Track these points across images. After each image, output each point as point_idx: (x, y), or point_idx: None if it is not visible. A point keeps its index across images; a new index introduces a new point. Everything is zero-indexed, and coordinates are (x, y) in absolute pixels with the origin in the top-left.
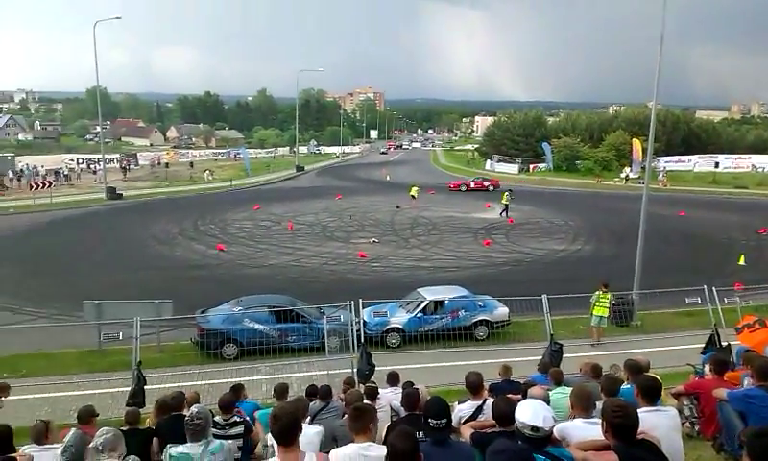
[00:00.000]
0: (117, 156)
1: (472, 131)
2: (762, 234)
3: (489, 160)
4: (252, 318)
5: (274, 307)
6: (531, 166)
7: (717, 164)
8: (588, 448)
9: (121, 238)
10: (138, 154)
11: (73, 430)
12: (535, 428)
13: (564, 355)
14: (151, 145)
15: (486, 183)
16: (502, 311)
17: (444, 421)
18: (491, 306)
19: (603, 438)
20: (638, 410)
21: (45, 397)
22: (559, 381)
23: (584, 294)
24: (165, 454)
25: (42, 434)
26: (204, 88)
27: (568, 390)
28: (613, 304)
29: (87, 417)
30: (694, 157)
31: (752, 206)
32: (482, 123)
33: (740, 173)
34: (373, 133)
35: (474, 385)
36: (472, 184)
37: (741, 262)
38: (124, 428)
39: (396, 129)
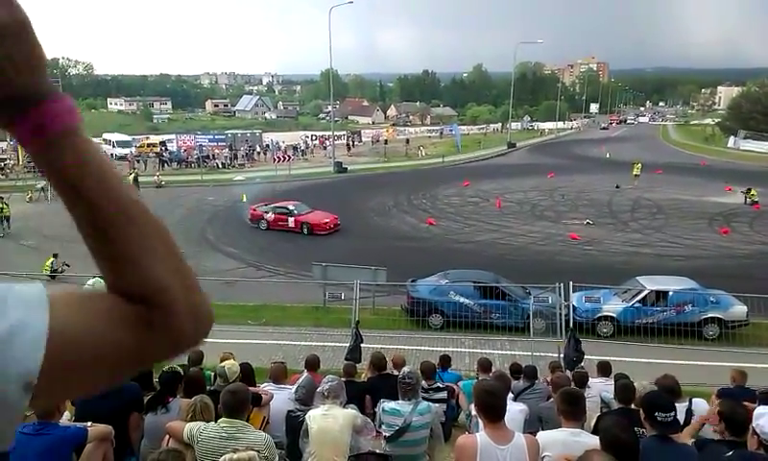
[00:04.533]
0: (344, 133)
1: (713, 103)
2: None
3: (732, 137)
4: (458, 291)
5: (479, 283)
6: None
7: None
8: None
9: (345, 208)
10: (362, 131)
11: (306, 374)
12: None
13: None
14: (373, 123)
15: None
16: (739, 310)
17: (672, 414)
18: (725, 303)
19: None
20: None
21: (279, 343)
22: None
23: None
24: (379, 407)
25: (282, 374)
26: (423, 66)
27: None
28: None
29: (315, 364)
30: None
31: None
32: (726, 94)
33: None
34: (594, 107)
35: (674, 390)
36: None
37: None
38: (343, 380)
39: (621, 102)
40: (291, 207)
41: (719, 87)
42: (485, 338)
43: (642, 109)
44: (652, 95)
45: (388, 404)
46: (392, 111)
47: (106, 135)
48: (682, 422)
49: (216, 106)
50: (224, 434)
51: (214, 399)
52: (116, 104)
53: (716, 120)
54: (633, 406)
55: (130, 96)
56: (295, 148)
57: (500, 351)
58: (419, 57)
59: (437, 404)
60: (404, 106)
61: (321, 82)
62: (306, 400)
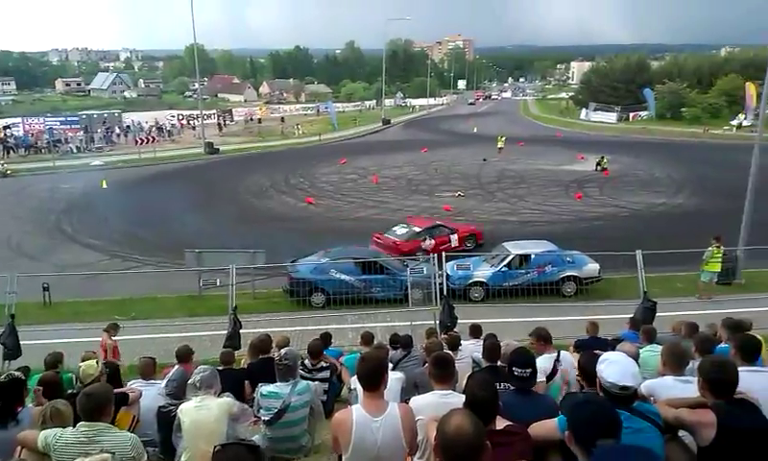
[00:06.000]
0: (214, 112)
1: (567, 78)
2: None
3: (584, 109)
4: (339, 269)
5: (359, 259)
6: (631, 115)
7: None
8: (681, 404)
9: (218, 191)
10: (233, 110)
11: (176, 367)
12: (625, 388)
13: (657, 314)
14: (245, 101)
15: None
16: (592, 267)
17: (528, 370)
18: (580, 262)
19: (695, 396)
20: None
21: (152, 337)
22: (651, 339)
23: (684, 250)
24: (257, 392)
25: (151, 369)
26: (295, 42)
27: (659, 349)
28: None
29: (186, 355)
30: None
31: None
32: (578, 69)
33: None
34: (461, 84)
35: (546, 338)
36: None
37: None
38: (220, 368)
39: (486, 78)
40: (440, 223)
41: (572, 63)
42: (366, 312)
43: (505, 84)
44: (513, 71)
45: (266, 388)
46: (264, 89)
47: None
48: (549, 372)
49: (68, 85)
50: (83, 438)
51: (74, 402)
52: None
53: (570, 94)
54: (499, 364)
55: None
56: (160, 129)
57: (382, 324)
58: (289, 33)
59: (316, 382)
60: (277, 83)
61: (185, 57)
62: (178, 393)
